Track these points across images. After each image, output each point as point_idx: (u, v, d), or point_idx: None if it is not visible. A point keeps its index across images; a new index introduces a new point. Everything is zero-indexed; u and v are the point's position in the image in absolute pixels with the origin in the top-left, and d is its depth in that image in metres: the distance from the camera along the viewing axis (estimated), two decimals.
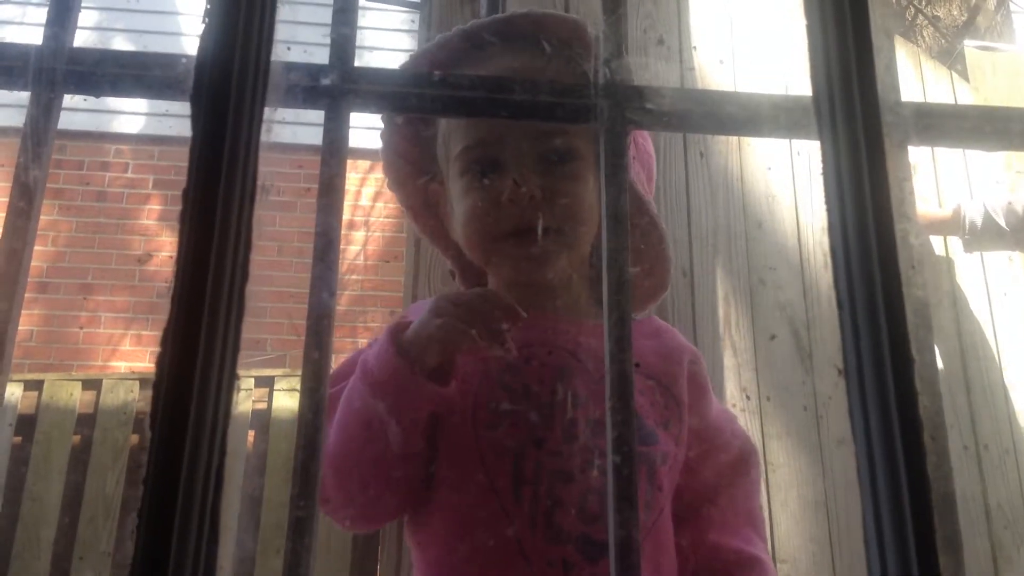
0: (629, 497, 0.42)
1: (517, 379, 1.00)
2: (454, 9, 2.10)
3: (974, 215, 2.49)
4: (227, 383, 0.37)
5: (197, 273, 0.37)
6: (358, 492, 0.95)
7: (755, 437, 2.17)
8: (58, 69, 0.44)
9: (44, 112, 0.44)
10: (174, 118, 5.51)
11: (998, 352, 2.63)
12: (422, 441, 0.95)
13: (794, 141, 2.49)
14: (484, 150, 1.03)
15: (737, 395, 2.20)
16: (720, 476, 1.10)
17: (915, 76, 2.84)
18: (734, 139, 2.45)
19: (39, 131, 0.43)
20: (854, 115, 0.43)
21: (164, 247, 5.56)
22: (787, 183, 2.49)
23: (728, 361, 2.22)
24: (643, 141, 1.16)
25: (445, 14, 2.10)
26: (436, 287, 1.91)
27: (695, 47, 2.47)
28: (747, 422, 2.17)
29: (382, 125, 1.11)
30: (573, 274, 1.06)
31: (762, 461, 2.15)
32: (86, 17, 5.87)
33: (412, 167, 1.13)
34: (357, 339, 5.29)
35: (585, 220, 1.02)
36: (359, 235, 5.71)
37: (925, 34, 4.17)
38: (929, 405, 0.40)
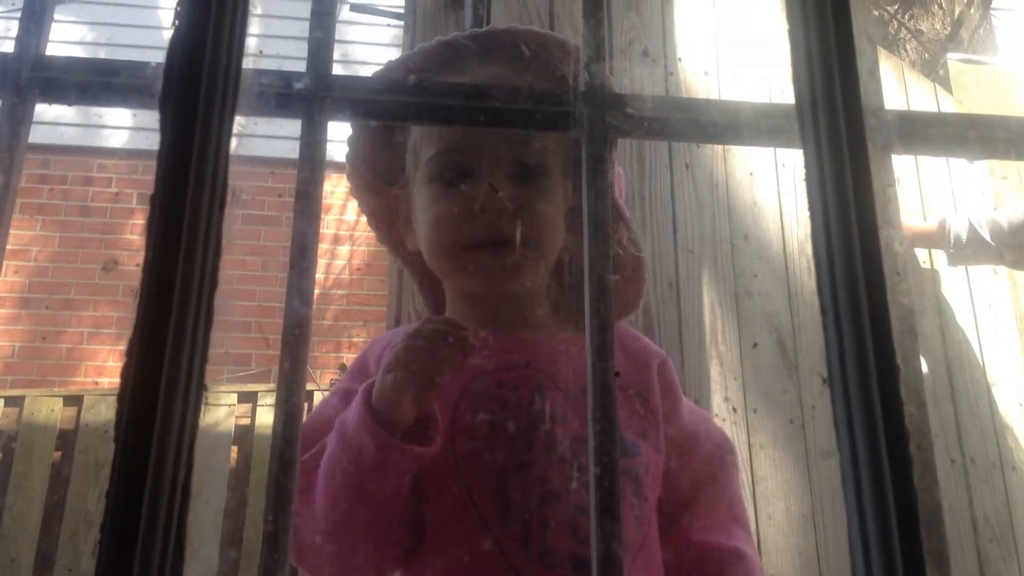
0: (611, 510, 0.41)
1: (492, 400, 0.98)
2: (438, 20, 2.10)
3: (959, 229, 2.49)
4: (195, 394, 0.35)
5: (164, 280, 0.36)
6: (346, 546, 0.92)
7: (742, 449, 2.16)
8: (23, 72, 0.43)
9: (9, 117, 0.43)
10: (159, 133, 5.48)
11: (984, 365, 2.63)
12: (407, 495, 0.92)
13: (779, 152, 2.50)
14: (457, 156, 1.01)
15: (723, 407, 2.19)
16: (697, 479, 1.07)
17: (899, 88, 2.85)
18: (719, 150, 2.45)
19: (3, 137, 0.42)
20: (837, 119, 0.42)
21: None
22: (772, 194, 2.49)
23: (714, 373, 2.21)
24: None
25: (429, 26, 2.10)
26: (420, 300, 1.90)
27: (680, 58, 2.48)
28: (733, 434, 2.16)
29: (350, 130, 1.10)
30: (533, 289, 1.05)
31: (745, 469, 2.14)
32: (74, 32, 5.86)
33: (376, 174, 1.11)
34: (342, 353, 5.27)
35: (552, 234, 1.02)
36: (344, 249, 5.70)
37: (908, 48, 4.19)
38: (915, 414, 0.39)
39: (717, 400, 2.18)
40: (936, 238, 2.56)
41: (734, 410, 2.19)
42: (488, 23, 2.08)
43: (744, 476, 2.15)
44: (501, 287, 1.02)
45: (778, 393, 2.26)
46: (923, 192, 2.77)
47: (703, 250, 2.32)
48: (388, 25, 5.57)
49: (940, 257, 2.67)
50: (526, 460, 0.94)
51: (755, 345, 2.29)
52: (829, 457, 2.20)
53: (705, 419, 1.17)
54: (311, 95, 0.45)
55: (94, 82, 0.45)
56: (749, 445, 2.18)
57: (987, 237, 2.45)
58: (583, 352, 1.04)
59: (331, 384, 3.91)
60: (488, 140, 1.00)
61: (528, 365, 1.01)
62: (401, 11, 2.48)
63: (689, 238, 2.31)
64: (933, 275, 2.68)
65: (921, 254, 2.69)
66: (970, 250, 2.49)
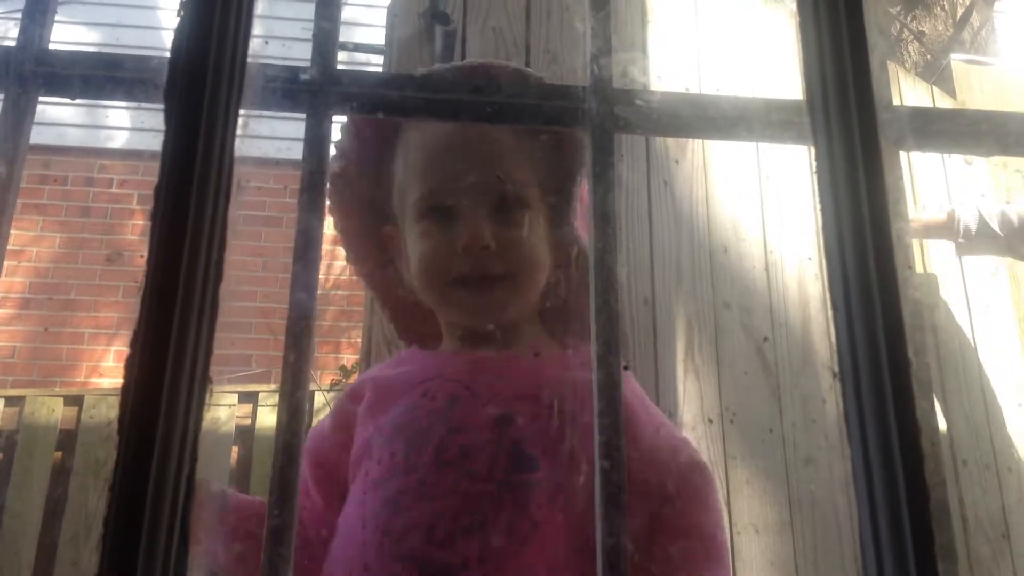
0: (618, 504, 0.40)
1: (410, 415, 1.02)
2: (413, 53, 2.17)
3: (968, 220, 2.51)
4: (199, 386, 0.35)
5: (168, 272, 0.36)
6: None
7: (718, 461, 2.15)
8: (26, 64, 0.42)
9: (12, 107, 0.42)
10: (160, 133, 5.48)
11: (979, 367, 2.63)
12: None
13: (762, 164, 2.49)
14: (438, 199, 1.05)
15: (700, 419, 2.18)
16: (656, 512, 0.97)
17: (894, 92, 2.84)
18: (700, 165, 2.44)
19: (6, 127, 0.41)
20: (849, 112, 0.41)
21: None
22: (755, 208, 2.48)
23: (691, 386, 2.20)
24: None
25: (404, 58, 2.17)
26: (390, 329, 1.93)
27: (659, 76, 2.47)
28: (709, 446, 2.15)
29: (335, 171, 1.13)
30: (521, 319, 1.08)
31: (721, 480, 2.13)
32: (73, 32, 5.86)
33: (366, 214, 1.15)
34: (341, 355, 5.26)
35: (536, 267, 1.05)
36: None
37: (911, 49, 4.19)
38: (927, 409, 0.39)
39: (693, 413, 2.17)
40: (945, 229, 2.57)
41: (710, 421, 2.18)
42: (464, 54, 2.14)
43: (720, 487, 2.14)
44: (485, 321, 1.06)
45: (756, 405, 2.26)
46: (915, 191, 2.77)
47: (680, 266, 2.31)
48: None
49: (940, 256, 2.68)
50: (411, 465, 0.98)
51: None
52: (809, 465, 2.20)
53: (670, 447, 1.05)
54: (317, 87, 0.44)
55: (98, 75, 0.45)
56: (726, 455, 2.17)
57: (996, 228, 2.47)
58: (550, 365, 1.04)
59: (331, 385, 3.91)
60: (469, 177, 1.03)
61: (455, 379, 1.04)
62: (380, 44, 2.68)
63: (666, 254, 2.31)
64: (929, 278, 2.69)
65: (917, 257, 2.69)
66: (979, 241, 2.51)
